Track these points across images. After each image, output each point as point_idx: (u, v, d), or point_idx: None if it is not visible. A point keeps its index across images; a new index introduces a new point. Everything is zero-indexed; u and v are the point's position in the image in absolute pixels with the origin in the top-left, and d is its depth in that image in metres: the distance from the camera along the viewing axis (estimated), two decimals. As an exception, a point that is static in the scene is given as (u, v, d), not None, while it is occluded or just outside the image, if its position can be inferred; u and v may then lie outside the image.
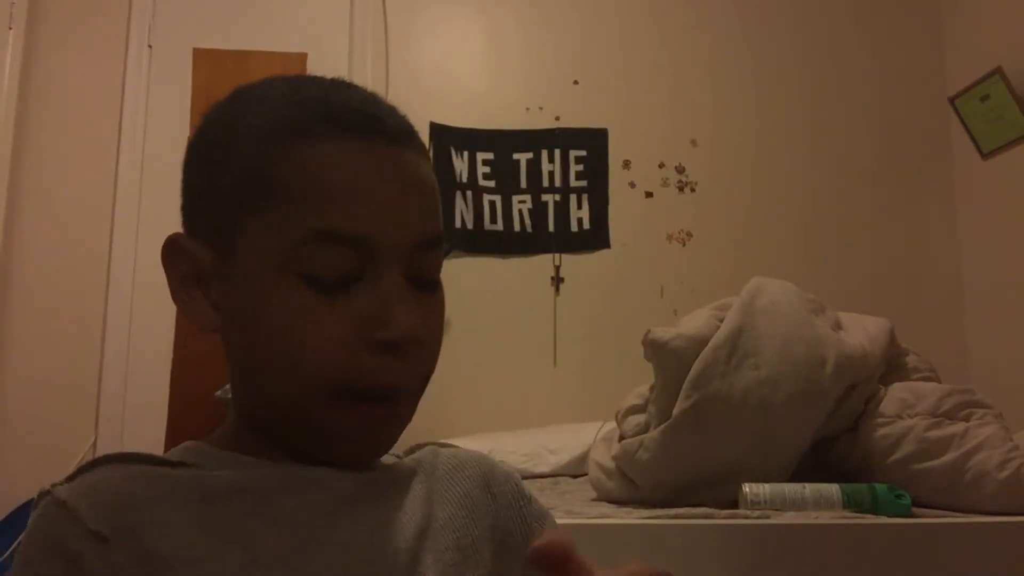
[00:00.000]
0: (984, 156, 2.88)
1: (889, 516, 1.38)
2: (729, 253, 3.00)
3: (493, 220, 2.99)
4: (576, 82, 3.09)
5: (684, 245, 3.05)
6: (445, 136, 2.97)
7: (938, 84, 3.11)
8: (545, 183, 3.03)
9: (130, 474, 0.54)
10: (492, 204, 3.00)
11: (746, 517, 1.34)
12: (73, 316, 2.85)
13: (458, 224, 2.94)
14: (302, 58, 2.99)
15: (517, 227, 3.00)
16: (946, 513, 1.43)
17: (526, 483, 0.68)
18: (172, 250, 0.59)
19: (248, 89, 0.61)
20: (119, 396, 2.82)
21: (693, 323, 1.61)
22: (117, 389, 2.83)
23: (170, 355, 2.82)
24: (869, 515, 1.37)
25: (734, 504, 1.42)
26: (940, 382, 1.69)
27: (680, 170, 3.08)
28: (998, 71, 2.69)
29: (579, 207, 3.03)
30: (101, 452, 2.75)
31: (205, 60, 2.96)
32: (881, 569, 1.31)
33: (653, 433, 1.53)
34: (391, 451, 0.62)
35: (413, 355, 0.56)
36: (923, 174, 3.11)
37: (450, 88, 3.05)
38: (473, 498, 0.62)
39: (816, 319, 1.62)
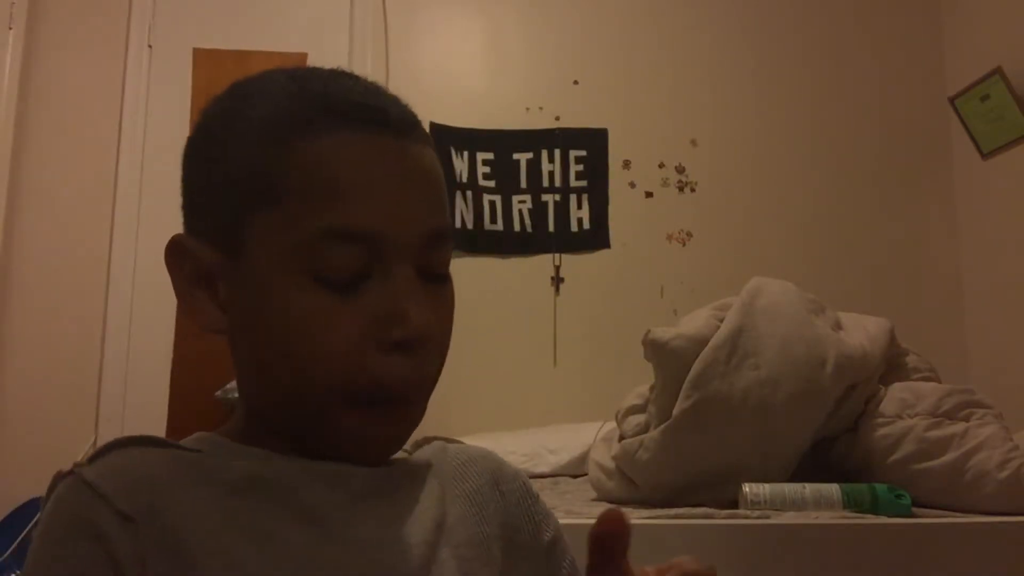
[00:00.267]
0: (984, 156, 2.88)
1: (889, 516, 1.38)
2: (729, 253, 3.00)
3: (493, 220, 3.00)
4: (576, 82, 3.09)
5: (684, 245, 3.05)
6: (445, 136, 2.97)
7: (938, 84, 3.11)
8: (545, 183, 3.04)
9: (153, 457, 0.54)
10: (492, 204, 3.00)
11: (746, 517, 1.35)
12: (73, 316, 2.85)
13: (458, 224, 2.94)
14: (302, 58, 2.99)
15: (517, 227, 3.00)
16: (946, 513, 1.43)
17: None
18: (176, 251, 0.58)
19: (247, 83, 0.60)
20: (119, 396, 2.82)
21: (693, 323, 1.61)
22: (117, 389, 2.83)
23: (170, 355, 2.82)
24: (869, 515, 1.37)
25: (734, 504, 1.42)
26: (940, 382, 1.69)
27: (680, 170, 3.08)
28: (998, 71, 2.69)
29: (579, 207, 3.03)
30: (101, 452, 2.74)
31: (205, 60, 2.96)
32: (881, 569, 1.31)
33: (653, 433, 1.53)
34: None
35: (426, 352, 0.56)
36: (923, 174, 3.11)
37: (450, 88, 3.05)
38: (483, 495, 0.62)
39: (816, 319, 1.62)
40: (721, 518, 1.34)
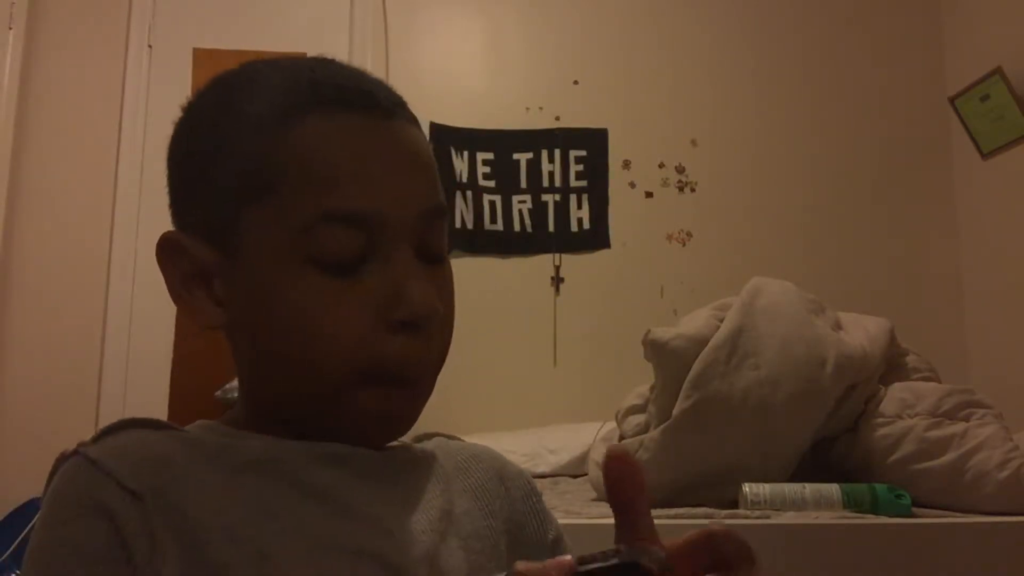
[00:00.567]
0: (984, 156, 2.88)
1: (889, 516, 1.37)
2: (729, 253, 3.00)
3: (493, 220, 3.00)
4: (576, 82, 3.09)
5: (684, 245, 3.05)
6: (445, 136, 2.97)
7: (938, 84, 3.11)
8: (545, 183, 3.04)
9: (160, 437, 0.54)
10: (492, 204, 3.00)
11: (746, 517, 1.34)
12: (73, 316, 2.85)
13: (458, 224, 2.94)
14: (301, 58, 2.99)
15: (517, 227, 3.00)
16: (946, 513, 1.43)
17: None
18: (169, 249, 0.58)
19: (230, 77, 0.59)
20: (119, 396, 2.82)
21: (693, 323, 1.61)
22: (117, 389, 2.83)
23: (170, 355, 2.82)
24: (869, 515, 1.37)
25: (734, 504, 1.42)
26: (940, 382, 1.69)
27: (680, 170, 3.08)
28: (998, 71, 2.69)
29: (579, 207, 3.03)
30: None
31: (205, 60, 2.96)
32: (881, 569, 1.31)
33: (653, 433, 1.53)
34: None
35: (431, 330, 0.56)
36: (923, 174, 3.11)
37: (450, 88, 3.05)
38: (489, 491, 0.62)
39: (816, 319, 1.62)
40: (721, 518, 1.34)
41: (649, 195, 3.07)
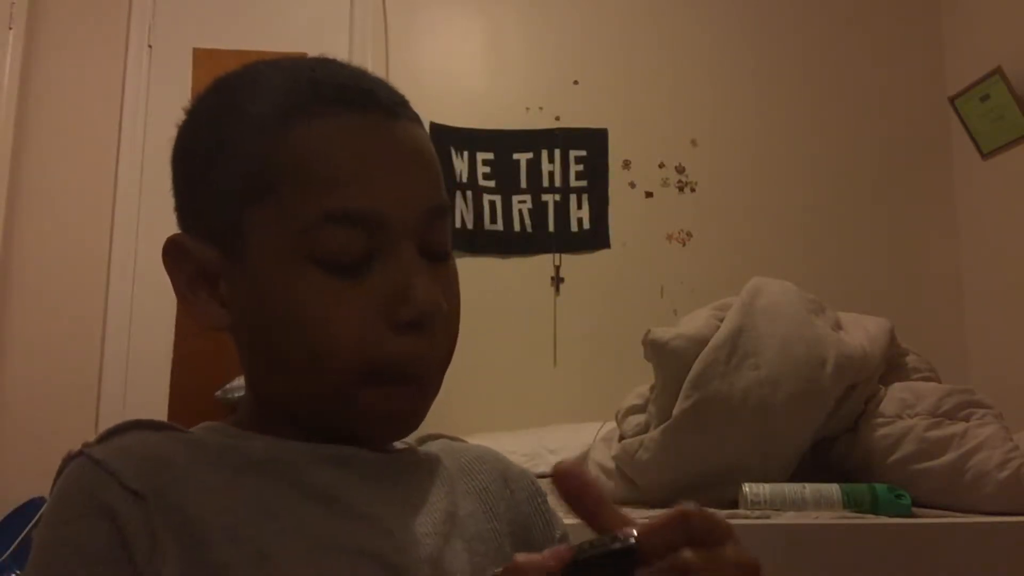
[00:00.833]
0: (984, 156, 2.88)
1: (889, 516, 1.38)
2: (729, 253, 3.00)
3: (493, 220, 2.99)
4: (576, 82, 3.09)
5: (684, 245, 3.05)
6: (445, 136, 2.97)
7: (938, 84, 3.11)
8: (545, 183, 3.03)
9: (163, 438, 0.54)
10: (492, 204, 3.00)
11: (746, 517, 1.35)
12: (73, 316, 2.85)
13: (458, 224, 2.93)
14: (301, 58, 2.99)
15: (517, 227, 3.00)
16: (946, 513, 1.43)
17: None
18: (174, 251, 0.58)
19: (232, 79, 0.60)
20: (119, 396, 2.82)
21: (693, 323, 1.61)
22: (117, 389, 2.83)
23: (170, 355, 2.82)
24: (869, 515, 1.37)
25: (734, 504, 1.42)
26: (940, 382, 1.69)
27: (680, 170, 3.08)
28: (998, 71, 2.69)
29: (579, 207, 3.03)
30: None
31: (205, 60, 2.96)
32: (881, 569, 1.31)
33: (653, 433, 1.53)
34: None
35: (437, 329, 0.56)
36: (923, 174, 3.11)
37: (450, 88, 3.05)
38: (492, 493, 0.62)
39: (816, 319, 1.62)
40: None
41: (649, 195, 3.06)
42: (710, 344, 1.53)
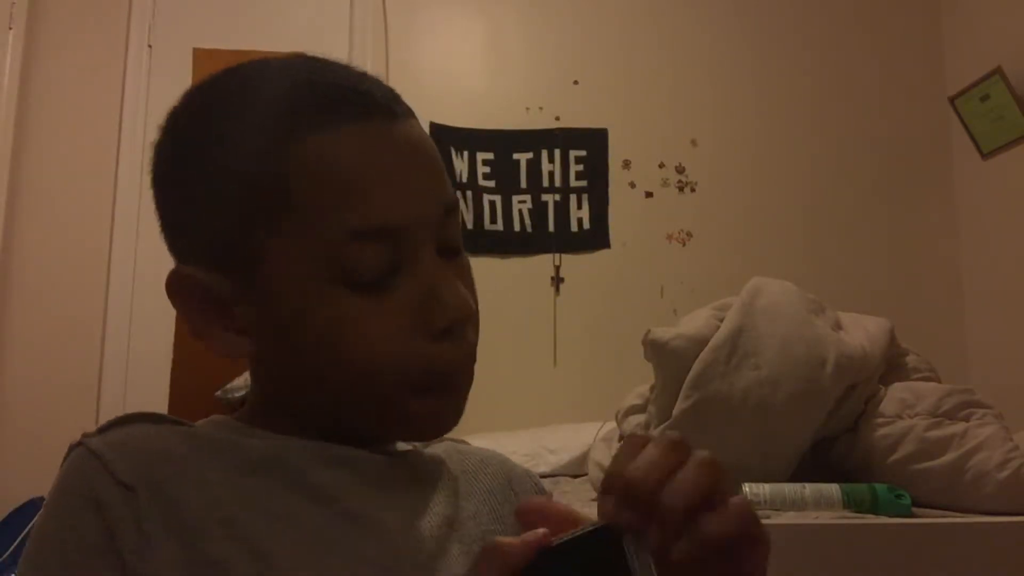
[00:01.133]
0: (984, 156, 2.88)
1: (889, 516, 1.38)
2: (729, 253, 3.00)
3: (493, 220, 3.00)
4: (576, 82, 3.09)
5: (684, 245, 3.05)
6: (445, 136, 2.97)
7: (938, 84, 3.11)
8: (545, 183, 3.03)
9: (164, 431, 0.54)
10: (492, 204, 3.00)
11: (746, 517, 1.34)
12: (73, 316, 2.85)
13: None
14: (302, 58, 2.99)
15: (517, 227, 3.00)
16: (946, 513, 1.43)
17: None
18: (180, 286, 0.56)
19: (221, 96, 0.56)
20: (119, 396, 2.82)
21: (693, 323, 1.61)
22: (117, 389, 2.83)
23: (170, 355, 2.82)
24: (869, 515, 1.37)
25: (734, 504, 1.42)
26: (940, 382, 1.69)
27: (680, 170, 3.08)
28: (998, 71, 2.69)
29: (579, 207, 3.03)
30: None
31: (205, 60, 2.96)
32: (881, 569, 1.31)
33: (653, 433, 1.53)
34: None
35: (468, 329, 0.56)
36: (923, 174, 3.11)
37: (450, 88, 3.05)
38: (497, 495, 0.62)
39: (816, 319, 1.62)
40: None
41: (649, 195, 3.07)
42: (710, 344, 1.53)
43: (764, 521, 1.38)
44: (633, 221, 3.04)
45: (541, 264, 3.01)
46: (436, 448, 0.64)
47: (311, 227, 0.52)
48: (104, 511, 0.48)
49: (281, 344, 0.55)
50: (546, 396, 2.90)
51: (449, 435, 0.61)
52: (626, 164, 3.07)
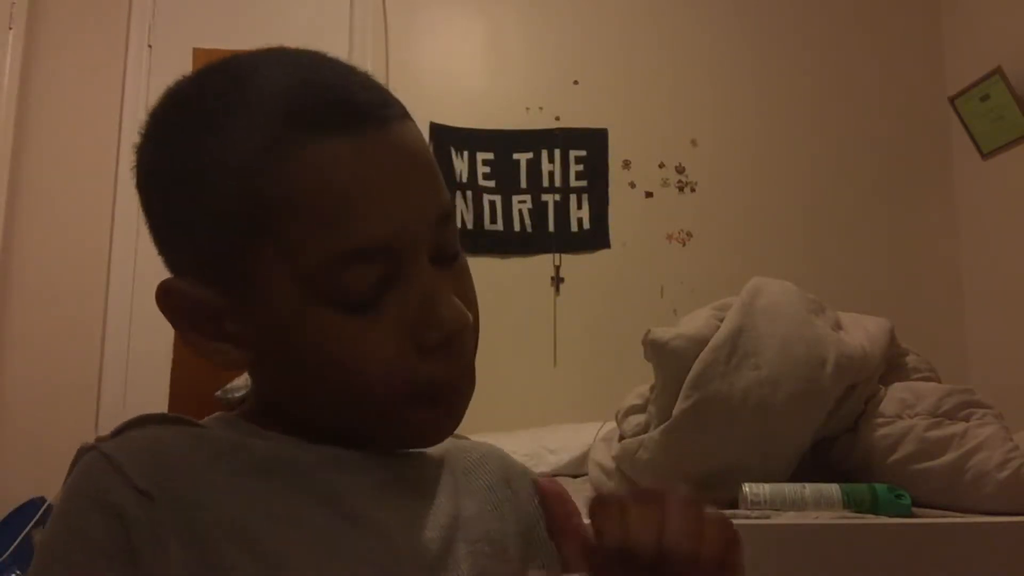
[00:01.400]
0: (984, 156, 2.88)
1: (889, 516, 1.38)
2: (729, 253, 3.00)
3: (493, 220, 2.99)
4: (576, 82, 3.09)
5: (684, 245, 3.05)
6: (445, 136, 2.97)
7: (938, 84, 3.11)
8: (545, 183, 3.03)
9: (174, 435, 0.54)
10: (492, 204, 3.00)
11: (746, 517, 1.34)
12: (73, 316, 2.85)
13: (458, 224, 2.93)
14: (302, 58, 2.99)
15: (517, 227, 3.00)
16: (946, 513, 1.43)
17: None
18: (170, 299, 0.55)
19: (196, 96, 0.55)
20: (119, 396, 2.82)
21: (693, 323, 1.61)
22: (117, 389, 2.83)
23: (170, 355, 2.82)
24: (869, 515, 1.37)
25: (734, 504, 1.42)
26: (940, 382, 1.69)
27: (680, 170, 3.08)
28: (998, 71, 2.69)
29: (579, 207, 3.03)
30: (101, 452, 2.74)
31: (205, 60, 2.92)
32: (881, 569, 1.31)
33: (653, 433, 1.53)
34: None
35: (465, 340, 0.55)
36: (923, 174, 3.11)
37: (450, 88, 3.05)
38: (497, 493, 0.62)
39: (816, 319, 1.62)
40: (721, 518, 1.34)
41: (649, 195, 3.06)
42: (710, 344, 1.53)
43: (764, 521, 1.38)
44: (633, 221, 3.04)
45: (541, 264, 3.00)
46: (436, 446, 0.63)
47: (297, 248, 0.50)
48: (121, 517, 0.47)
49: (274, 359, 0.55)
50: (546, 396, 2.90)
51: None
52: (626, 164, 3.07)
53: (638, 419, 1.62)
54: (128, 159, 2.58)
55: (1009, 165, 2.80)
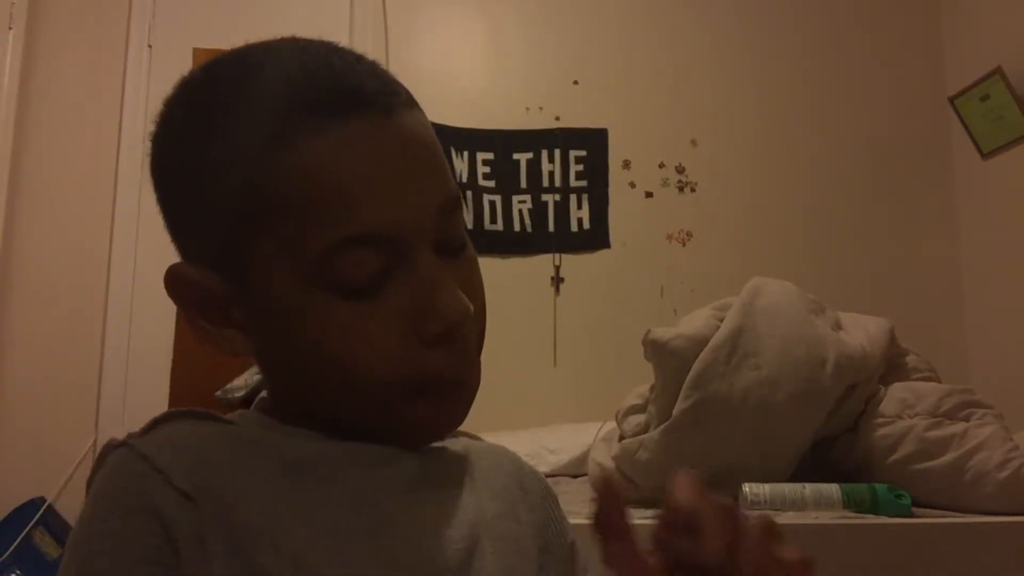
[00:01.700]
0: (984, 156, 2.88)
1: (889, 516, 1.38)
2: (729, 253, 3.00)
3: (493, 220, 3.00)
4: (576, 82, 3.09)
5: (684, 245, 3.05)
6: (445, 136, 2.97)
7: (938, 84, 3.11)
8: (545, 183, 3.03)
9: (209, 432, 0.53)
10: (492, 204, 3.00)
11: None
12: (73, 316, 2.85)
13: (458, 224, 2.94)
14: (302, 58, 2.99)
15: (517, 227, 3.00)
16: (946, 513, 1.43)
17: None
18: (178, 284, 0.55)
19: (206, 86, 0.55)
20: (119, 396, 2.82)
21: (693, 323, 1.61)
22: (117, 389, 2.83)
23: (170, 355, 2.82)
24: (869, 515, 1.38)
25: (734, 504, 1.42)
26: (940, 382, 1.69)
27: (680, 170, 3.08)
28: (998, 71, 2.69)
29: (579, 207, 3.03)
30: (101, 452, 2.75)
31: (205, 60, 2.96)
32: (881, 569, 1.31)
33: (653, 433, 1.53)
34: None
35: (467, 332, 0.54)
36: (923, 174, 3.11)
37: (450, 88, 3.05)
38: (512, 494, 0.62)
39: (816, 319, 1.62)
40: (721, 518, 1.34)
41: (649, 195, 3.07)
42: (710, 344, 1.53)
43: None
44: (633, 221, 3.04)
45: (541, 264, 3.01)
46: (455, 444, 0.63)
47: (298, 235, 0.50)
48: (164, 520, 0.46)
49: (278, 346, 0.54)
50: (546, 396, 2.90)
51: (461, 429, 0.60)
52: (626, 164, 3.07)
53: (638, 419, 1.62)
54: (128, 159, 2.59)
55: (1009, 165, 2.80)
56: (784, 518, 1.35)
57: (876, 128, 3.12)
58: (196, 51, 2.98)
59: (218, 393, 0.68)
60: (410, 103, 0.55)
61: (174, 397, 2.81)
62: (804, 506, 1.39)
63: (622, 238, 3.03)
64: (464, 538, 0.54)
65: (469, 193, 2.98)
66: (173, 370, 2.83)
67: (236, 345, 0.55)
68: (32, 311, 2.82)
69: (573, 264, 3.01)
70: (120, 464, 0.49)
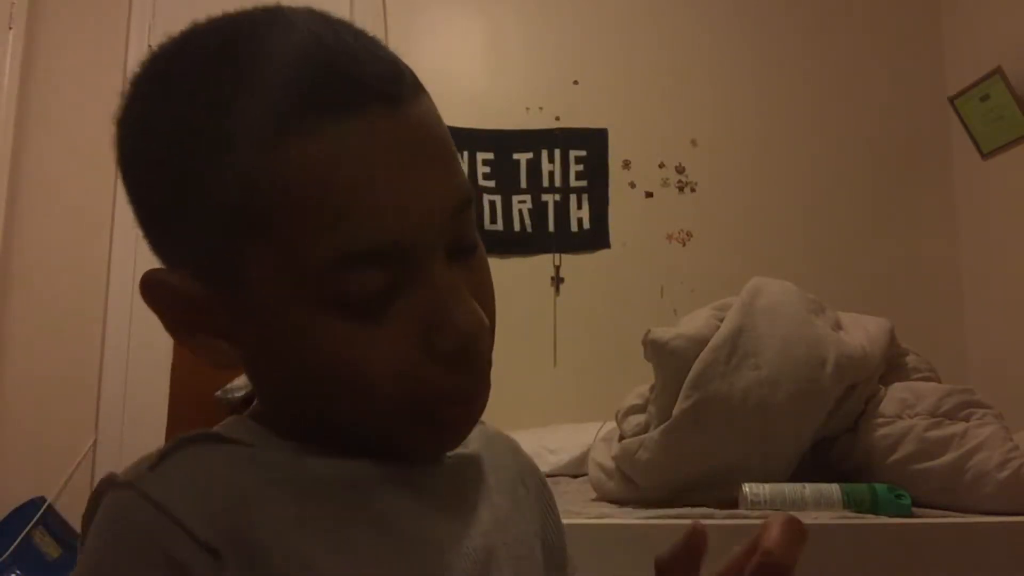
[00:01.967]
0: (984, 156, 2.88)
1: (889, 516, 1.38)
2: (729, 253, 3.00)
3: (493, 220, 3.00)
4: (576, 82, 3.09)
5: (684, 245, 3.05)
6: (445, 136, 2.97)
7: (938, 84, 3.11)
8: (545, 183, 3.03)
9: (223, 460, 0.48)
10: (492, 204, 3.00)
11: (746, 517, 1.34)
12: (73, 316, 2.85)
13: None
14: (302, 58, 2.99)
15: (517, 227, 3.00)
16: (946, 513, 1.43)
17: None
18: (156, 292, 0.49)
19: (189, 83, 0.48)
20: (119, 396, 2.82)
21: (693, 323, 1.61)
22: (117, 389, 2.83)
23: (170, 355, 2.82)
24: (869, 515, 1.37)
25: (734, 504, 1.42)
26: (940, 382, 1.69)
27: (680, 170, 3.08)
28: (998, 71, 2.69)
29: (579, 207, 3.03)
30: (101, 452, 2.74)
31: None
32: (881, 569, 1.31)
33: (653, 433, 1.53)
34: None
35: (481, 345, 0.50)
36: (923, 174, 3.11)
37: (450, 88, 3.05)
38: (517, 491, 0.60)
39: (816, 319, 1.62)
40: (721, 518, 1.34)
41: (649, 195, 3.07)
42: (710, 344, 1.53)
43: (764, 521, 1.37)
44: (633, 221, 3.04)
45: (541, 264, 3.01)
46: (470, 440, 0.58)
47: (297, 246, 0.45)
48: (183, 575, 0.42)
49: (272, 362, 0.50)
50: (546, 396, 2.90)
51: None
52: (626, 164, 3.07)
53: (638, 419, 1.62)
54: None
55: (1009, 165, 2.80)
56: (784, 518, 1.34)
57: (876, 128, 3.12)
58: (196, 51, 2.98)
59: (218, 393, 0.66)
60: (416, 90, 0.50)
61: (174, 397, 2.81)
62: (804, 506, 1.39)
63: (622, 238, 3.03)
64: (482, 548, 0.52)
65: (469, 193, 2.98)
66: (173, 370, 2.83)
67: (222, 356, 0.50)
68: (32, 311, 2.82)
69: (573, 264, 3.01)
70: (127, 510, 0.43)
